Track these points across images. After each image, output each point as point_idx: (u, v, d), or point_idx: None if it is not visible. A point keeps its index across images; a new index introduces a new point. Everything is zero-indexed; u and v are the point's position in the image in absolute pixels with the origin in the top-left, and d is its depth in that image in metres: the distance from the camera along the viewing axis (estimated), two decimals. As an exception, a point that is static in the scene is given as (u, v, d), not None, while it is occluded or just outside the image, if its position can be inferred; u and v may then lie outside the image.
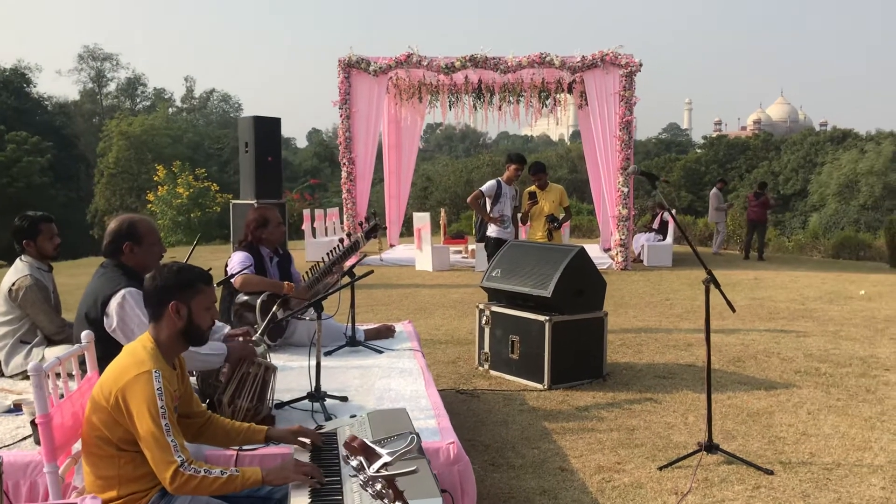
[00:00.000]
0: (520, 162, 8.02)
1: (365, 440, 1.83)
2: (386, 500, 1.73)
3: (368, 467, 1.75)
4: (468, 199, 8.28)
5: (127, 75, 59.58)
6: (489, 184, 8.05)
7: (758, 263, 14.93)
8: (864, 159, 41.79)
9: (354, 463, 1.78)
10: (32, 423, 2.95)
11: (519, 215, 8.17)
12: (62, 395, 2.72)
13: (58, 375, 2.73)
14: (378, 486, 1.75)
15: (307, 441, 2.71)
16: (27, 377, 3.26)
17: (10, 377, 4.20)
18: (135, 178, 40.17)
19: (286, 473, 2.42)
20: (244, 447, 2.90)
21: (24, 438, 3.11)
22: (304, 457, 2.61)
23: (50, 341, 4.34)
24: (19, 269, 4.33)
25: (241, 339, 3.43)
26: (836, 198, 41.70)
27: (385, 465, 1.75)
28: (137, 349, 2.55)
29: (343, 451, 2.17)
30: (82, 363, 3.03)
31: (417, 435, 2.33)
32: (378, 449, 1.80)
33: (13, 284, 4.27)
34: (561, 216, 8.12)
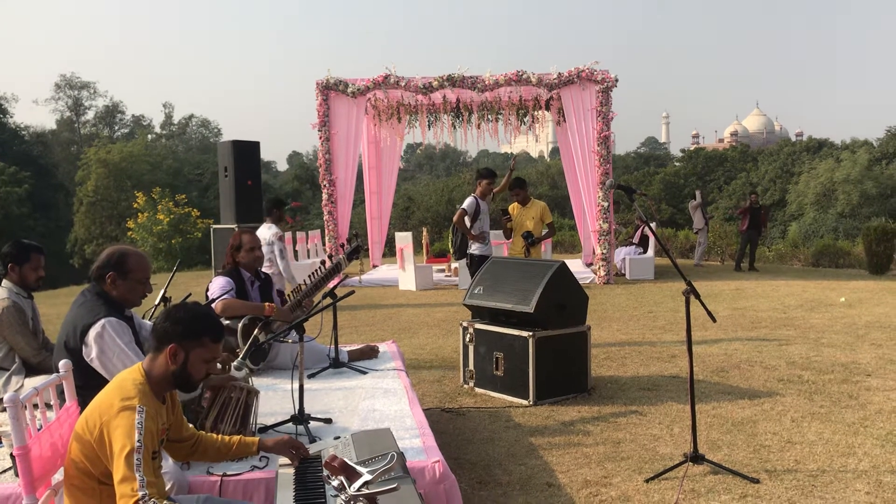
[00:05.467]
0: (490, 176, 8.06)
1: (345, 459, 1.82)
2: (369, 520, 1.72)
3: (349, 486, 1.74)
4: (454, 219, 8.09)
5: (105, 103, 59.35)
6: (468, 201, 7.99)
7: (737, 273, 15.05)
8: (840, 168, 42.28)
9: (335, 483, 1.78)
10: (12, 455, 2.91)
11: (502, 231, 8.20)
12: (40, 426, 2.69)
13: (35, 406, 2.69)
14: (361, 506, 1.75)
15: (296, 452, 2.73)
16: (4, 409, 3.22)
17: None
18: (114, 206, 39.90)
19: None
20: (228, 473, 2.92)
21: (5, 471, 3.07)
22: (289, 473, 2.61)
23: (29, 369, 4.29)
24: None
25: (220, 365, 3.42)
26: (814, 207, 42.12)
27: (366, 483, 1.75)
28: (126, 382, 2.50)
29: (324, 472, 2.16)
30: (61, 393, 2.99)
31: (400, 453, 2.32)
32: (358, 468, 1.79)
33: None
34: (543, 232, 8.14)
